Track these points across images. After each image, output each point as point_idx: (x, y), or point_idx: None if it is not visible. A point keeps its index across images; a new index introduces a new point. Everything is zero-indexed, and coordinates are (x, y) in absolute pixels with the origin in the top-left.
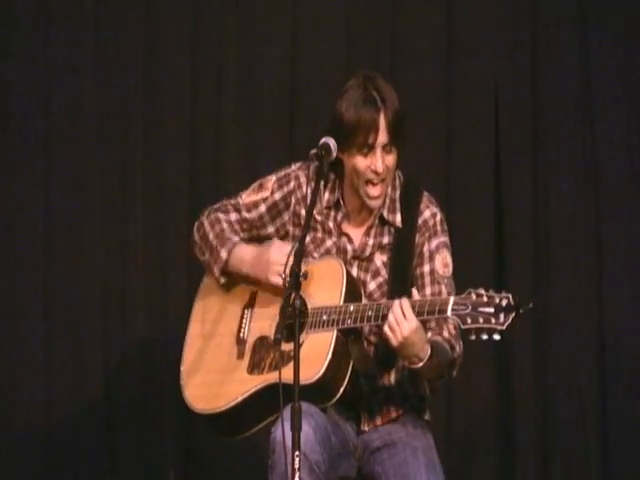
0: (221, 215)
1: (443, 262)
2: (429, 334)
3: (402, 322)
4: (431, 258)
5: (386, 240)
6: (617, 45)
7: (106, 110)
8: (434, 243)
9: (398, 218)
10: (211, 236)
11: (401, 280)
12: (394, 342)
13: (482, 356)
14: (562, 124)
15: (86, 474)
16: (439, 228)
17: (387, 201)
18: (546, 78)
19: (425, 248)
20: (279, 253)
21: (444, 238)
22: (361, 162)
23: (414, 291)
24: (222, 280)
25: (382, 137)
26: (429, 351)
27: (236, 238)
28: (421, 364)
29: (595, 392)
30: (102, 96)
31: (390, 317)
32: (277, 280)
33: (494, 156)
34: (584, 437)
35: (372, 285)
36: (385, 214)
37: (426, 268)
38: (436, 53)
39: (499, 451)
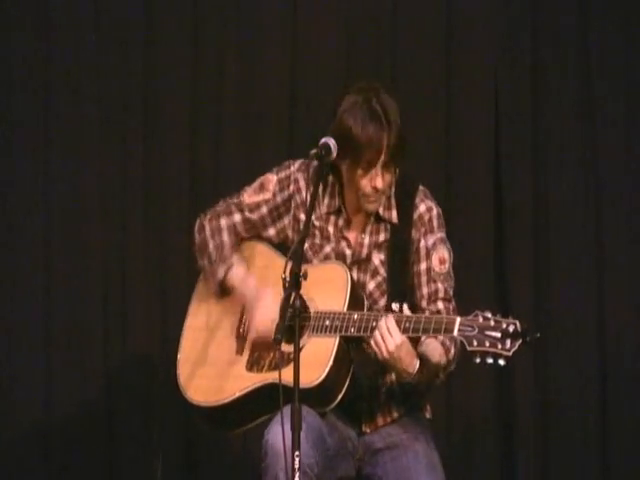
0: (223, 221)
1: (440, 259)
2: (423, 337)
3: (387, 338)
4: (427, 256)
5: (382, 237)
6: (618, 44)
7: (106, 110)
8: (430, 240)
9: (394, 214)
10: (210, 246)
11: (400, 278)
12: (380, 357)
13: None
14: (562, 124)
15: (86, 474)
16: (435, 223)
17: (383, 199)
18: (546, 78)
19: (422, 245)
20: (265, 316)
21: (440, 234)
22: (361, 178)
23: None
24: (217, 291)
25: (385, 157)
26: (417, 366)
27: (234, 257)
28: (410, 378)
29: (595, 392)
30: (102, 96)
31: (376, 333)
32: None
33: (494, 156)
34: (584, 437)
35: (371, 285)
36: (381, 212)
37: (423, 266)
38: (436, 53)
39: (499, 451)
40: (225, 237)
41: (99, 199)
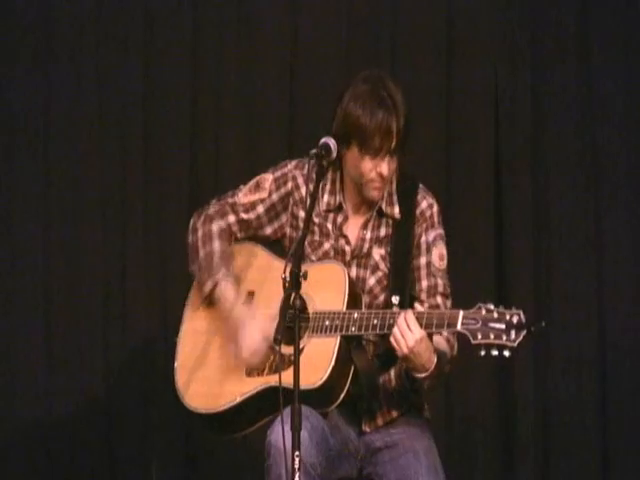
0: (216, 225)
1: (439, 255)
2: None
3: (407, 334)
4: (428, 250)
5: (384, 233)
6: (618, 45)
7: (106, 111)
8: (431, 235)
9: (397, 210)
10: (201, 254)
11: (401, 273)
12: (400, 353)
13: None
14: (562, 125)
15: (86, 474)
16: (436, 219)
17: (385, 194)
18: (546, 79)
19: (422, 240)
20: (249, 347)
21: (440, 230)
22: (367, 164)
23: (417, 305)
24: (206, 302)
25: (394, 142)
26: (435, 361)
27: (222, 271)
28: (427, 373)
29: (595, 393)
30: (102, 97)
31: (395, 330)
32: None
33: (494, 156)
34: (584, 437)
35: (372, 280)
36: (384, 207)
37: (423, 260)
38: (436, 53)
39: (499, 451)
40: (216, 245)
41: (99, 199)
